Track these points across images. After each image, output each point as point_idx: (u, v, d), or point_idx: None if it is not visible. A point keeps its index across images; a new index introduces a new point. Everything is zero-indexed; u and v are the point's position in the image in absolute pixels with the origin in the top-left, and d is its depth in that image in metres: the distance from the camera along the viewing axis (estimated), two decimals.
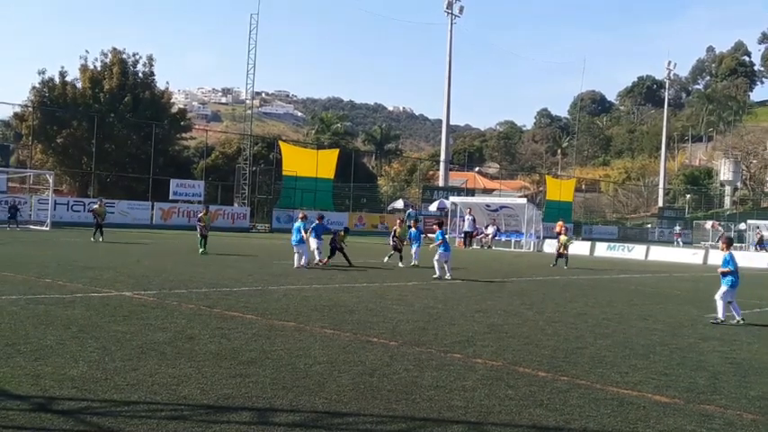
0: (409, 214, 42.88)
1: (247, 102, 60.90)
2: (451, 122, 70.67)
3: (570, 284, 20.61)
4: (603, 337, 10.84)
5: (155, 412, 5.86)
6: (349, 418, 6.00)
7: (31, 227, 26.75)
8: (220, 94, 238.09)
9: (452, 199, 46.49)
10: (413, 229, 24.15)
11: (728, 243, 13.76)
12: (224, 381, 6.91)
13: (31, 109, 51.94)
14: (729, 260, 13.17)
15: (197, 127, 73.94)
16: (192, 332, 9.39)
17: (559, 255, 26.99)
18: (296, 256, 20.31)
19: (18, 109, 54.08)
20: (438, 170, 71.30)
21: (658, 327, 12.23)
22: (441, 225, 21.56)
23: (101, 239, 27.57)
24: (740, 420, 6.56)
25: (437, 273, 19.21)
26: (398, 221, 25.67)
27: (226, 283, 15.23)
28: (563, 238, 27.39)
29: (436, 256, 19.58)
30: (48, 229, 33.71)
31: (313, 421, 5.91)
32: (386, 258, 23.84)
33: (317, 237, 21.10)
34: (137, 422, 5.58)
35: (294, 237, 20.46)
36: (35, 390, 6.27)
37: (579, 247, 41.18)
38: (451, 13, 63.56)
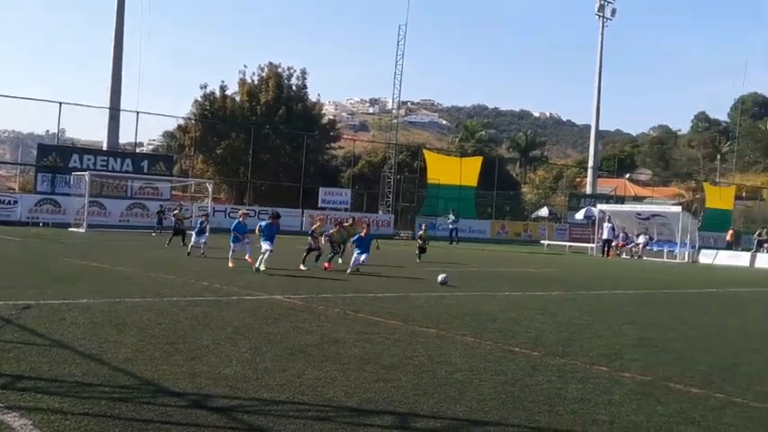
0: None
1: (393, 111, 61.94)
2: (600, 127, 68.63)
3: (729, 297, 19.45)
4: (762, 354, 10.17)
5: (301, 412, 6.06)
6: (489, 428, 5.97)
7: (188, 232, 28.61)
8: (368, 104, 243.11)
9: (600, 207, 45.04)
10: (363, 234, 20.28)
11: None
12: (367, 384, 7.06)
13: (193, 121, 55.41)
14: None
15: (345, 137, 75.94)
16: (338, 336, 9.66)
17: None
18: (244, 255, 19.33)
19: (181, 121, 57.67)
20: (585, 177, 69.33)
21: None
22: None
23: (182, 245, 25.76)
24: None
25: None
26: (336, 225, 22.31)
27: (370, 289, 15.55)
28: None
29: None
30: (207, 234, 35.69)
31: (453, 429, 5.93)
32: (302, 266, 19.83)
33: (268, 239, 18.34)
34: (284, 421, 5.77)
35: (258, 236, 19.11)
36: (191, 387, 6.60)
37: (739, 259, 38.75)
38: (603, 16, 61.75)
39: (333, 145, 64.92)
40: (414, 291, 15.96)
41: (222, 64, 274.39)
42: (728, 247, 47.36)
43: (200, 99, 56.83)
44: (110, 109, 46.38)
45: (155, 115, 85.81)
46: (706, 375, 8.44)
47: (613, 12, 62.09)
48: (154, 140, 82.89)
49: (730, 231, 51.99)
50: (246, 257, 19.29)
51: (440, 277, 17.35)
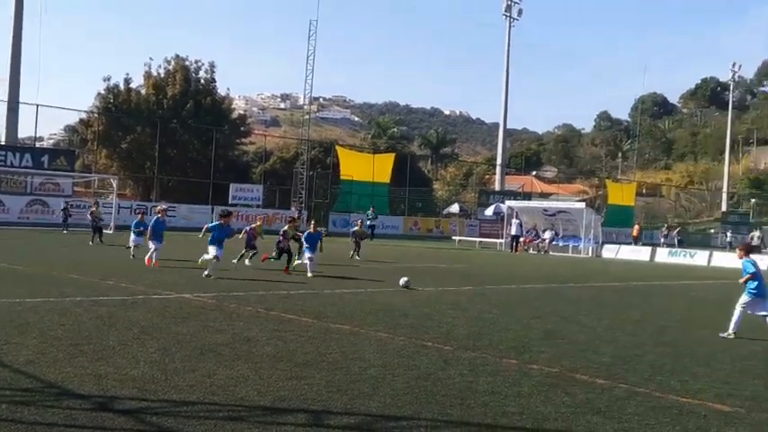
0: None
1: (305, 107, 61.59)
2: (509, 126, 70.05)
3: (629, 291, 20.25)
4: (663, 345, 10.62)
5: (212, 413, 5.97)
6: (403, 422, 6.02)
7: (105, 230, 27.82)
8: (279, 99, 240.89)
9: (509, 203, 46.11)
10: (311, 231, 19.26)
11: (747, 250, 12.83)
12: (280, 382, 7.01)
13: (96, 115, 53.52)
14: (750, 265, 11.93)
15: (256, 132, 75.06)
16: (250, 334, 9.54)
17: None
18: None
19: (84, 115, 55.67)
20: (494, 174, 70.82)
21: (719, 334, 11.89)
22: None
23: (99, 243, 26.73)
24: None
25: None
26: (290, 221, 21.20)
27: (283, 287, 15.42)
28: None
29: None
30: (111, 232, 34.62)
31: (368, 424, 5.94)
32: (236, 260, 20.10)
33: (216, 242, 16.82)
34: (195, 423, 5.68)
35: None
36: (97, 389, 6.43)
37: (640, 254, 40.41)
38: (510, 16, 63.09)
39: (243, 140, 64.01)
40: (327, 288, 15.92)
41: (127, 56, 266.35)
42: (635, 242, 49.42)
43: (103, 92, 54.94)
44: (8, 101, 44.26)
45: (56, 108, 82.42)
46: (610, 366, 8.75)
47: (520, 12, 63.48)
48: (55, 135, 79.88)
49: (636, 227, 54.21)
50: (147, 259, 18.86)
51: (401, 281, 16.57)
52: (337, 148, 57.02)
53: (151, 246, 19.26)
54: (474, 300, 15.21)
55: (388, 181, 53.67)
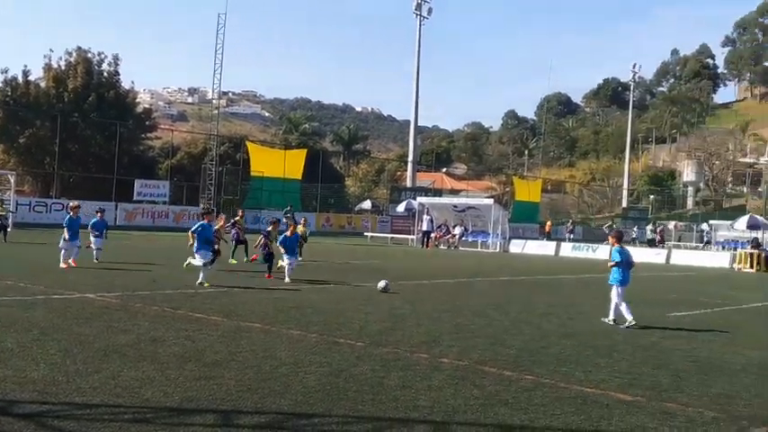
0: (287, 211, 36.97)
1: (214, 101, 60.48)
2: (419, 123, 70.77)
3: (536, 284, 20.80)
4: (568, 337, 10.96)
5: (117, 415, 5.80)
6: (314, 420, 5.99)
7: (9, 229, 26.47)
8: (186, 93, 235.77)
9: (420, 199, 46.61)
10: (289, 234, 17.74)
11: (619, 237, 13.63)
12: (188, 383, 6.85)
13: None
14: (617, 253, 12.69)
15: (162, 127, 73.14)
16: (156, 334, 9.29)
17: None
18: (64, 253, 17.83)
19: None
20: (406, 171, 71.39)
21: (622, 326, 12.37)
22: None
23: (3, 241, 25.94)
24: (701, 417, 6.67)
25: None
26: (273, 224, 19.67)
27: (191, 285, 15.08)
28: None
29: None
30: (10, 229, 33.10)
31: (278, 423, 5.88)
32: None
33: (205, 245, 15.57)
34: (98, 425, 5.50)
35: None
36: None
37: (545, 248, 41.59)
38: (420, 15, 63.69)
39: (149, 135, 62.22)
40: (238, 285, 15.68)
41: (26, 48, 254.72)
42: (547, 237, 50.97)
43: (0, 85, 52.35)
44: None
45: None
46: (517, 358, 8.96)
47: (430, 11, 64.19)
48: None
49: (548, 223, 55.94)
50: (70, 262, 17.73)
51: (380, 284, 15.71)
52: (248, 143, 56.19)
53: (66, 245, 17.99)
54: (387, 295, 15.28)
55: (300, 177, 53.35)
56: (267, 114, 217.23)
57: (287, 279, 16.85)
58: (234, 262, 21.11)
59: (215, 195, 50.34)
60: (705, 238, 55.56)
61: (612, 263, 12.59)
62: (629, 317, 12.21)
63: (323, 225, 53.49)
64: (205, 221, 15.94)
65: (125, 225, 42.02)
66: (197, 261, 15.46)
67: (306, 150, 57.53)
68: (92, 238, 19.36)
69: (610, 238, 13.50)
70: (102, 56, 56.77)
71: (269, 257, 18.19)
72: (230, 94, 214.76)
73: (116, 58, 57.28)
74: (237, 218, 23.42)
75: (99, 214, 20.25)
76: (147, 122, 61.21)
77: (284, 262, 17.33)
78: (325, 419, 6.00)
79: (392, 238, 47.04)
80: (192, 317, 10.90)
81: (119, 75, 57.61)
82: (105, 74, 56.71)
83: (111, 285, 14.38)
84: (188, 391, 6.58)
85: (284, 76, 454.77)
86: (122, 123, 52.04)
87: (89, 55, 55.92)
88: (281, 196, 49.33)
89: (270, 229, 19.09)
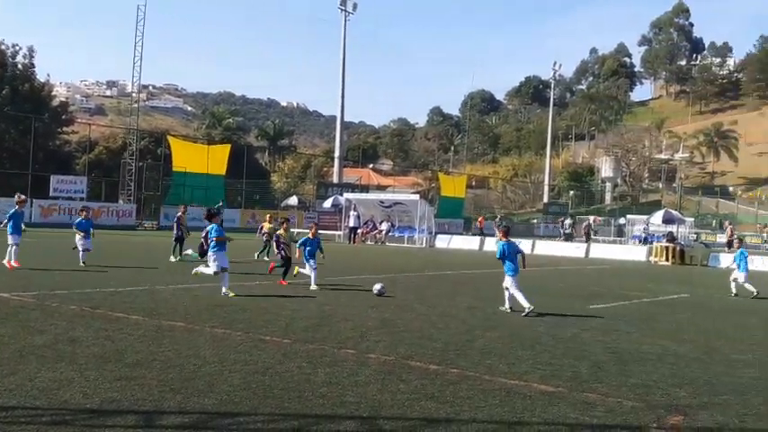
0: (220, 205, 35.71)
1: (133, 95, 58.88)
2: (346, 119, 70.73)
3: (460, 279, 21.06)
4: (492, 330, 11.13)
5: (34, 418, 5.61)
6: (240, 419, 5.91)
7: None
8: (105, 87, 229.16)
9: (347, 195, 46.58)
10: (311, 236, 16.40)
11: (506, 232, 14.22)
12: (108, 384, 6.67)
13: None
14: (500, 247, 13.49)
15: (80, 121, 70.95)
16: (74, 334, 9.00)
17: None
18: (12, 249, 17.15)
19: None
20: (332, 167, 71.24)
21: (543, 318, 12.67)
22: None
23: None
24: (620, 407, 6.87)
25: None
26: (283, 224, 18.30)
27: (110, 284, 14.66)
28: None
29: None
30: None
31: (203, 422, 5.78)
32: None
33: (220, 247, 13.90)
34: (15, 428, 5.32)
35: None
36: None
37: (470, 242, 42.19)
38: (345, 10, 63.55)
39: (66, 129, 60.36)
40: (159, 283, 15.34)
41: None
42: (481, 232, 51.66)
43: None
44: None
45: None
46: (443, 352, 9.05)
47: (355, 6, 64.10)
48: None
49: (480, 219, 56.73)
50: (6, 262, 16.93)
51: (376, 287, 14.93)
52: (169, 138, 54.97)
53: (11, 242, 17.15)
54: (313, 292, 15.19)
55: (224, 173, 52.50)
56: (189, 108, 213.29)
57: (313, 286, 15.51)
58: (173, 260, 20.86)
59: (135, 191, 49.13)
60: (643, 235, 55.03)
61: (499, 258, 13.40)
62: (525, 304, 12.82)
63: (248, 221, 52.77)
64: (213, 221, 14.25)
65: (41, 222, 40.50)
66: (210, 268, 13.89)
67: (230, 145, 56.68)
68: (78, 239, 18.56)
69: (498, 233, 14.04)
70: (17, 48, 54.87)
71: (286, 262, 16.80)
72: (151, 87, 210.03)
73: (31, 50, 55.52)
74: (180, 213, 22.83)
75: (83, 213, 19.49)
76: (63, 116, 59.38)
77: (307, 269, 16.03)
78: (251, 418, 5.93)
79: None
80: (112, 316, 10.60)
81: (34, 67, 55.79)
82: (20, 66, 54.74)
83: (28, 284, 13.86)
84: (108, 392, 6.41)
85: (207, 70, 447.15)
86: (38, 117, 50.23)
87: (2, 47, 53.96)
88: (205, 192, 48.47)
89: (281, 231, 17.66)
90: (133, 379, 6.90)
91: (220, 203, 43.36)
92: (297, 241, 16.70)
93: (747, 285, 18.54)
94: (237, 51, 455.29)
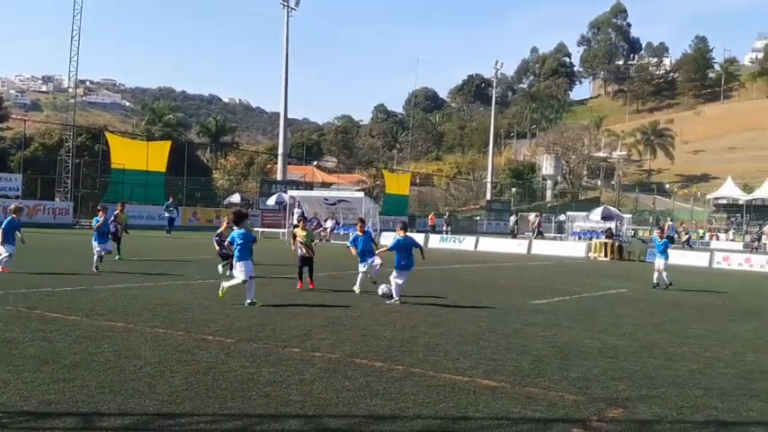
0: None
1: (70, 90, 57.38)
2: (289, 116, 70.06)
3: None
4: (437, 326, 11.21)
5: None
6: (182, 419, 5.81)
7: None
8: (40, 81, 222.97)
9: (291, 193, 46.28)
10: (359, 233, 15.84)
11: (403, 228, 14.77)
12: (46, 386, 6.49)
13: None
14: (394, 241, 14.50)
15: (14, 116, 68.89)
16: (10, 335, 8.73)
17: None
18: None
19: None
20: (276, 164, 70.67)
21: (487, 314, 12.81)
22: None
23: None
24: (562, 401, 6.99)
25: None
26: (300, 222, 17.56)
27: (47, 283, 14.27)
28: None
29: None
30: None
31: (143, 424, 5.67)
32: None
33: (246, 254, 12.93)
34: None
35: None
36: None
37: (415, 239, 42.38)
38: (287, 6, 63.06)
39: (0, 125, 58.51)
40: (98, 283, 14.99)
41: None
42: (432, 230, 52.00)
43: None
44: None
45: None
46: (388, 349, 9.08)
47: (297, 2, 63.68)
48: None
49: (431, 216, 57.17)
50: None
51: (380, 289, 14.51)
52: (107, 134, 53.69)
53: (3, 251, 16.32)
54: (257, 290, 15.03)
55: (165, 170, 51.59)
56: (128, 104, 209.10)
57: (356, 289, 15.06)
58: (117, 258, 20.47)
59: (72, 189, 47.94)
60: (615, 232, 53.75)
61: (384, 248, 14.84)
62: (396, 296, 13.82)
63: (189, 219, 52.01)
64: (239, 227, 13.20)
65: None
66: (237, 278, 13.00)
67: (170, 142, 55.68)
68: (95, 243, 17.90)
69: (398, 229, 14.65)
70: None
71: (307, 262, 15.84)
72: (88, 82, 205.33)
73: None
74: (117, 211, 22.19)
75: (100, 213, 18.68)
76: None
77: (372, 264, 15.53)
78: (193, 419, 5.84)
79: (263, 231, 46.45)
80: (49, 317, 10.31)
81: None
82: None
83: None
84: (46, 394, 6.24)
85: (146, 65, 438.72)
86: None
87: None
88: (144, 190, 47.58)
89: (299, 230, 16.46)
90: (71, 380, 6.73)
91: (170, 200, 42.60)
92: (323, 240, 16.77)
93: (665, 274, 19.83)
94: (177, 46, 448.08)
